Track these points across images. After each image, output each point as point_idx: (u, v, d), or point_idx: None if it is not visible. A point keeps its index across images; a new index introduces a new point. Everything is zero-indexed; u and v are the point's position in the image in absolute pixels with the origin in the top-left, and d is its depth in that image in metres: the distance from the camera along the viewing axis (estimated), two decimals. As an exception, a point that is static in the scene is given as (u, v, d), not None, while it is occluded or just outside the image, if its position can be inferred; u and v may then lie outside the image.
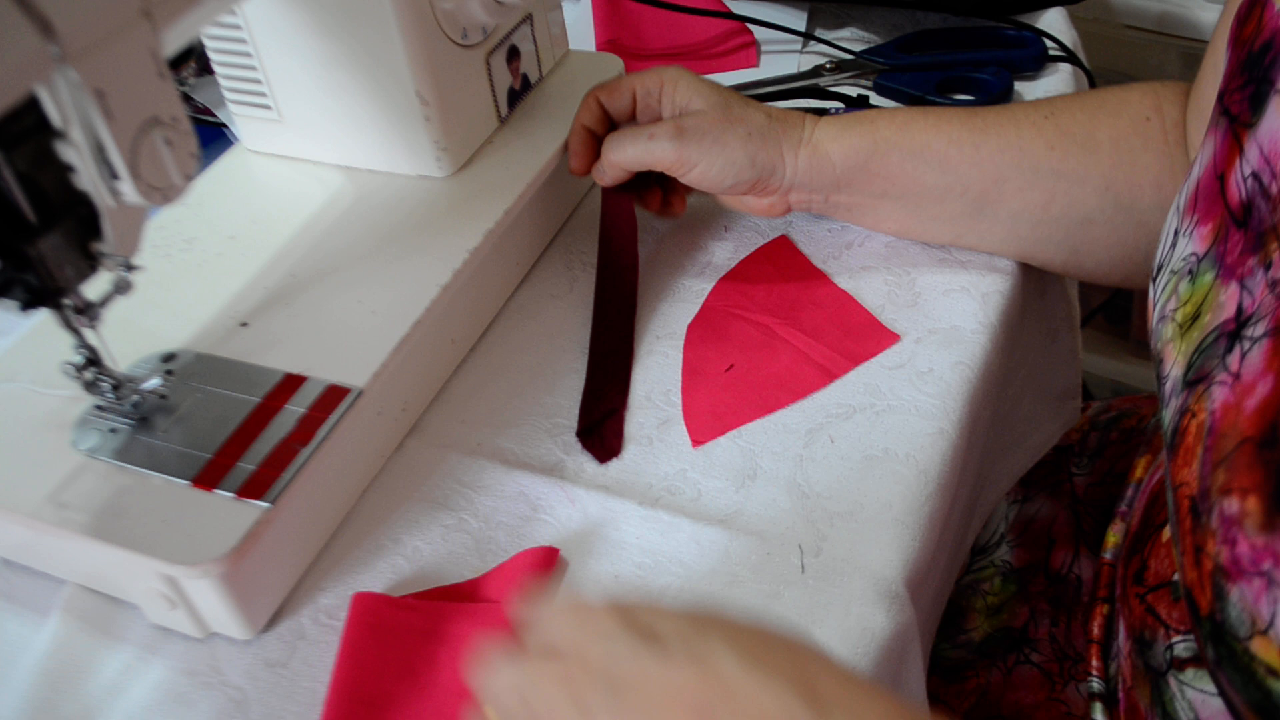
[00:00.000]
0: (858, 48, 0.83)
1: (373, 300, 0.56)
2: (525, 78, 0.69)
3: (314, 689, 0.47)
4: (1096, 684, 0.57)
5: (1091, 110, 0.58)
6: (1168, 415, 0.44)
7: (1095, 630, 0.59)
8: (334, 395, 0.51)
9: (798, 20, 0.87)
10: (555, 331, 0.63)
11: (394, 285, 0.57)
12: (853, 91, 0.80)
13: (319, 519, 0.53)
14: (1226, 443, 0.38)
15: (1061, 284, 0.73)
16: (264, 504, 0.47)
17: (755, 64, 0.85)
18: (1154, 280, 0.49)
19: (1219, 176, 0.44)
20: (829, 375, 0.58)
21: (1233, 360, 0.40)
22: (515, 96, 0.68)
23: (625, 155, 0.61)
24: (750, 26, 0.86)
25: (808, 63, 0.84)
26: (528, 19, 0.68)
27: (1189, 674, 0.47)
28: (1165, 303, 0.47)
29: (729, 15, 0.86)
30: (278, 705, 0.47)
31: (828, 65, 0.82)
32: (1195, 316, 0.44)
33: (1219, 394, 0.40)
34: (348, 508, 0.55)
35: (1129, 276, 0.61)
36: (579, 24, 0.88)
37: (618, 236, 0.65)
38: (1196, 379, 0.42)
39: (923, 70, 0.80)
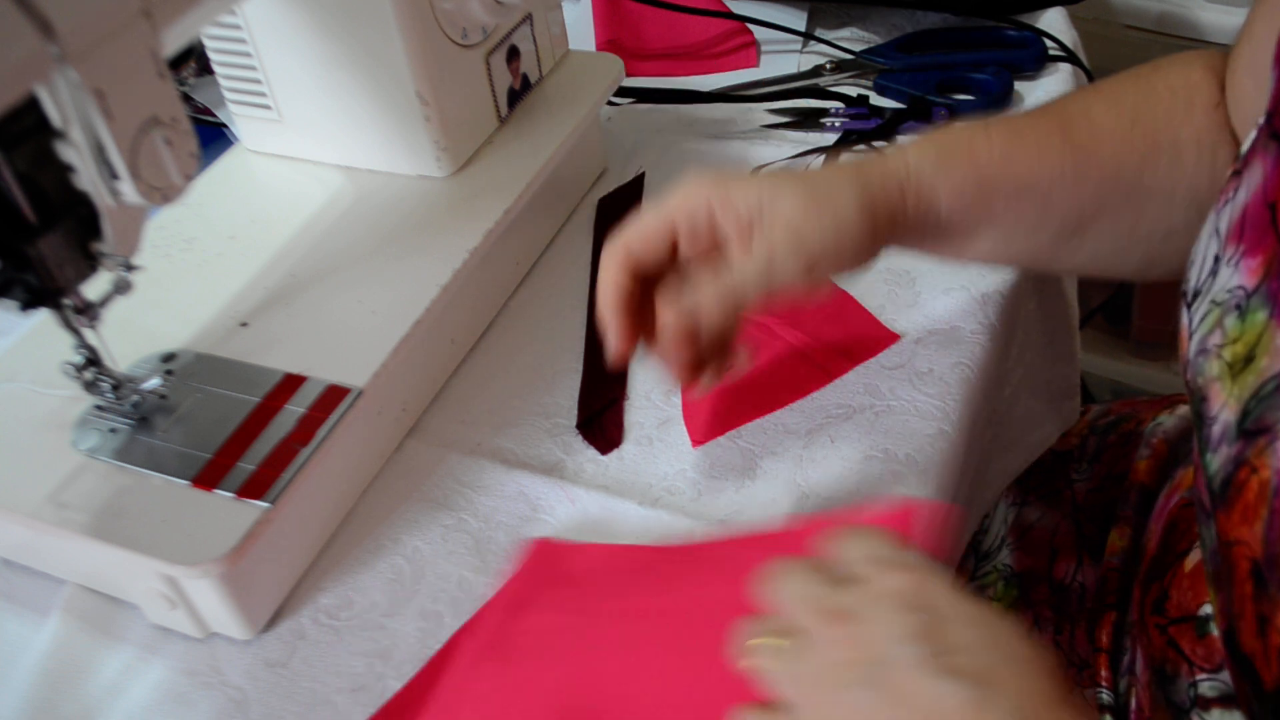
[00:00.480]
0: (858, 48, 0.83)
1: (373, 300, 0.56)
2: (525, 78, 0.69)
3: (314, 689, 0.48)
4: (1106, 695, 0.57)
5: (1166, 105, 0.54)
6: (1215, 461, 0.42)
7: (1104, 639, 0.58)
8: (334, 395, 0.51)
9: (798, 20, 0.87)
10: (555, 331, 0.63)
11: (394, 285, 0.57)
12: (853, 91, 0.80)
13: (319, 519, 0.53)
14: None
15: (1060, 284, 0.73)
16: (264, 504, 0.47)
17: (755, 64, 0.85)
18: (1189, 305, 0.47)
19: (1269, 205, 0.42)
20: (829, 375, 0.58)
21: None
22: (515, 96, 0.68)
23: (749, 290, 0.48)
24: (750, 26, 0.86)
25: (808, 63, 0.84)
26: (528, 19, 0.68)
27: (1215, 714, 0.46)
28: (1207, 335, 0.44)
29: (729, 15, 0.86)
30: (278, 705, 0.47)
31: (828, 65, 0.82)
32: (1249, 359, 0.41)
33: None
34: (348, 508, 0.55)
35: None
36: (579, 24, 0.88)
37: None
38: (1256, 430, 0.40)
39: (923, 70, 0.80)
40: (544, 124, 0.67)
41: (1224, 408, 0.42)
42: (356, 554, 0.53)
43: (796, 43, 0.86)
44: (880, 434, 0.55)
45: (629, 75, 0.80)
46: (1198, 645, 0.49)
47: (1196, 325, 0.46)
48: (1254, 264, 0.43)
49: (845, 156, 0.52)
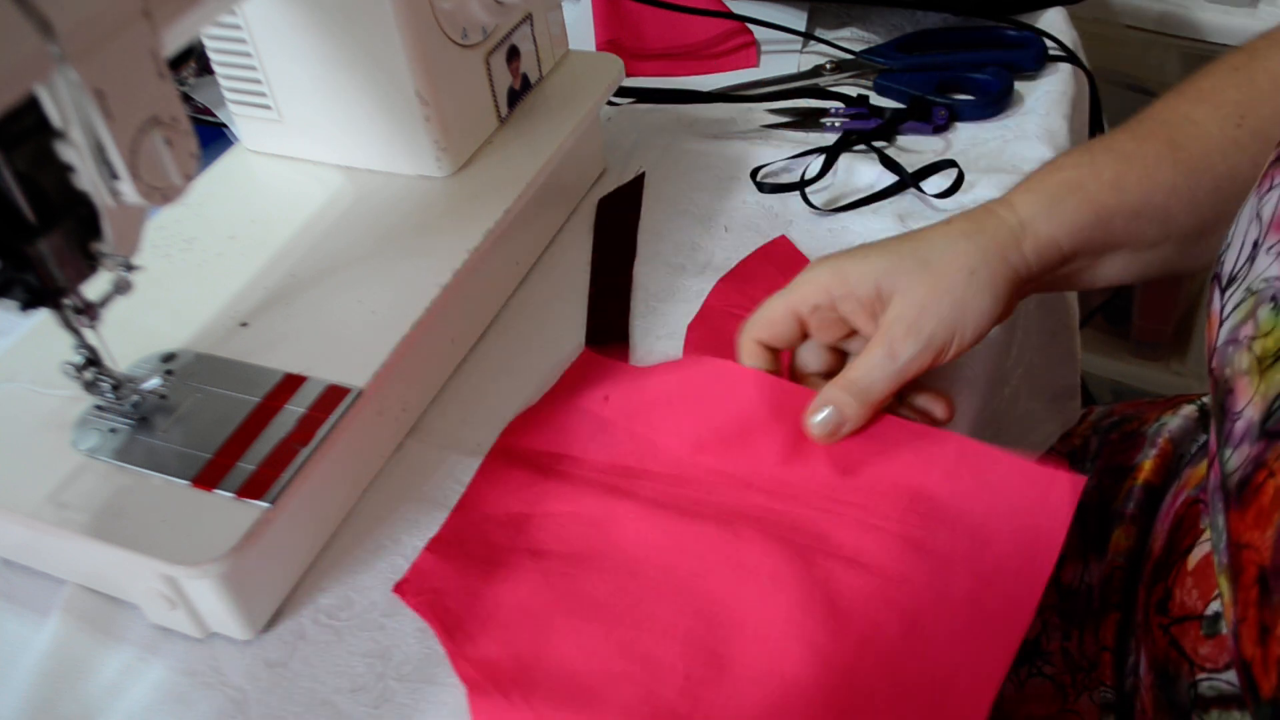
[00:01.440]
0: (858, 48, 0.83)
1: (373, 300, 0.56)
2: (525, 78, 0.69)
3: (314, 689, 0.47)
4: (1111, 695, 0.57)
5: (1271, 98, 0.53)
6: (1234, 459, 0.42)
7: (1108, 638, 0.58)
8: (334, 395, 0.51)
9: (798, 20, 0.87)
10: (555, 331, 0.63)
11: (394, 285, 0.57)
12: (853, 91, 0.80)
13: (319, 519, 0.53)
14: None
15: (1061, 284, 0.73)
16: (264, 504, 0.47)
17: (755, 64, 0.85)
18: (1222, 289, 0.46)
19: None
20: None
21: None
22: (515, 96, 0.68)
23: (879, 391, 0.50)
24: (750, 26, 0.86)
25: (808, 63, 0.84)
26: (528, 19, 0.68)
27: (1214, 715, 0.46)
28: (1239, 325, 0.43)
29: (729, 15, 0.86)
30: (278, 705, 0.47)
31: (828, 65, 0.82)
32: (1279, 356, 0.41)
33: None
34: (348, 508, 0.55)
35: None
36: (579, 24, 0.88)
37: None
38: (1277, 431, 0.39)
39: (923, 70, 0.80)
40: (544, 124, 0.67)
41: (1250, 404, 0.41)
42: (356, 554, 0.53)
43: (796, 43, 0.86)
44: (880, 434, 0.55)
45: (629, 75, 0.80)
46: (1201, 644, 0.48)
47: (1229, 313, 0.44)
48: None
49: (961, 214, 0.51)
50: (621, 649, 0.46)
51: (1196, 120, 0.53)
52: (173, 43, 0.44)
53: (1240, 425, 0.42)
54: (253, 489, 0.47)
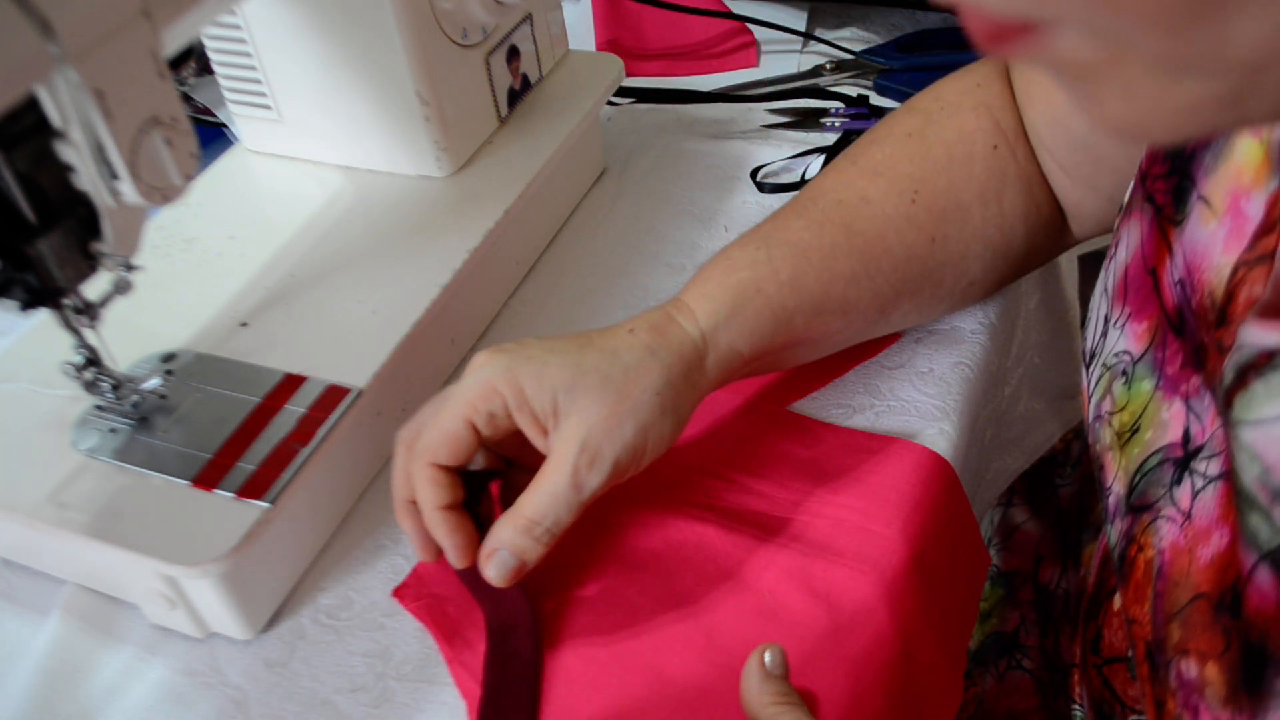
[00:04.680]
0: (858, 48, 0.83)
1: (373, 300, 0.56)
2: (525, 78, 0.69)
3: (314, 689, 0.47)
4: (1079, 712, 0.56)
5: (945, 169, 0.53)
6: (1114, 534, 0.42)
7: (1076, 654, 0.58)
8: (334, 395, 0.51)
9: (798, 20, 0.87)
10: (555, 331, 0.63)
11: (394, 285, 0.57)
12: (853, 91, 0.80)
13: (319, 519, 0.53)
14: (1180, 594, 0.36)
15: (1061, 284, 0.73)
16: (264, 504, 0.47)
17: (755, 64, 0.85)
18: (1087, 367, 0.46)
19: (1150, 271, 0.42)
20: (829, 375, 0.58)
21: (1182, 496, 0.38)
22: (515, 96, 0.68)
23: (563, 525, 0.45)
24: (750, 26, 0.86)
25: (808, 63, 0.84)
26: (528, 19, 0.68)
27: None
28: (1100, 400, 0.44)
29: (729, 15, 0.86)
30: (278, 705, 0.47)
31: (828, 65, 0.82)
32: (1135, 429, 0.41)
33: (1168, 531, 0.38)
34: (348, 508, 0.55)
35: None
36: (579, 24, 0.88)
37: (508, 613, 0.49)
38: (1141, 505, 0.40)
39: (923, 70, 0.80)
40: (544, 124, 0.67)
41: (1115, 479, 0.42)
42: (356, 554, 0.53)
43: (796, 43, 0.86)
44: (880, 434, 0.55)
45: (629, 75, 0.80)
46: (1129, 686, 0.48)
47: (1092, 389, 0.45)
48: (1140, 329, 0.42)
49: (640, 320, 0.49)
50: (619, 656, 0.46)
51: (872, 199, 0.52)
52: (173, 43, 0.44)
53: (1112, 501, 0.42)
54: (253, 489, 0.47)
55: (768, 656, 0.42)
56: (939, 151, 0.53)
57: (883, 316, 0.54)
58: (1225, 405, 0.34)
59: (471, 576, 0.46)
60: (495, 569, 0.45)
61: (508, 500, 0.47)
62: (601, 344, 0.47)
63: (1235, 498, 0.33)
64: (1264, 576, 0.31)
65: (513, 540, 0.45)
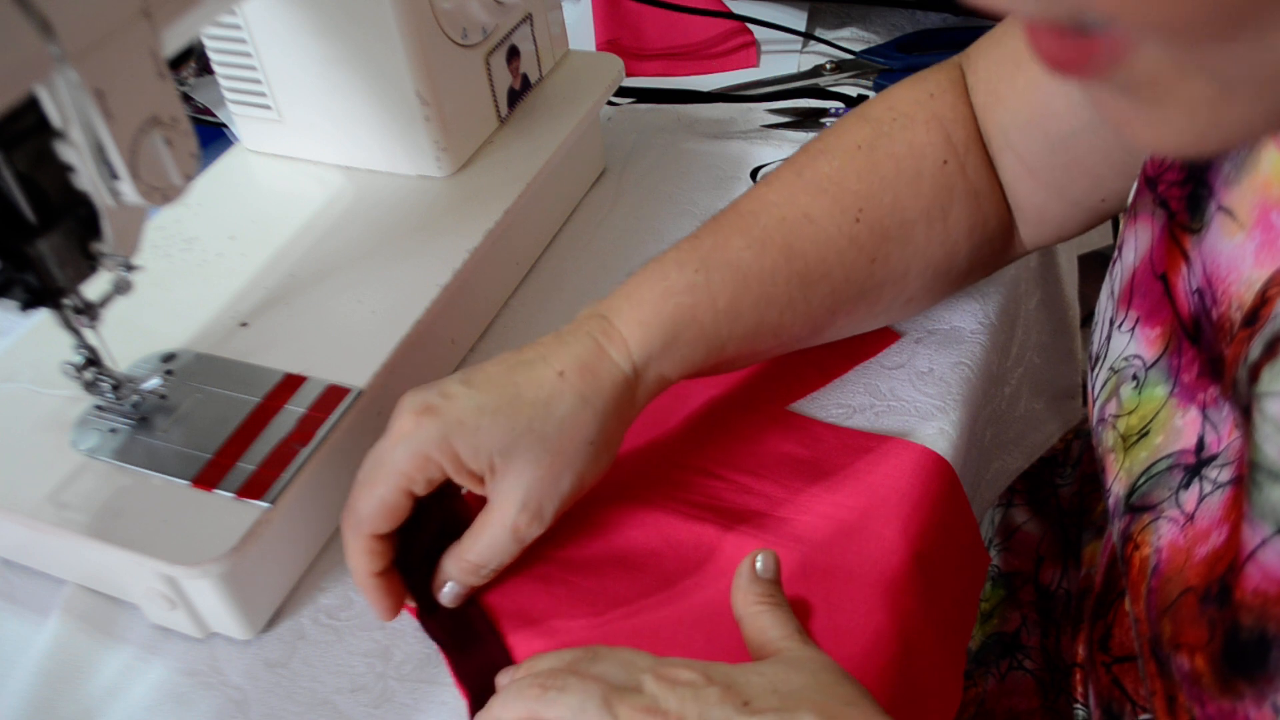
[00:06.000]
0: (858, 48, 0.83)
1: (373, 300, 0.56)
2: (525, 78, 0.69)
3: (314, 689, 0.47)
4: (1082, 712, 0.56)
5: (892, 185, 0.51)
6: (1115, 533, 0.42)
7: (1079, 653, 0.58)
8: (334, 395, 0.51)
9: (798, 20, 0.87)
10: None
11: (394, 285, 0.57)
12: (853, 91, 0.80)
13: (319, 519, 0.53)
14: (1170, 588, 0.36)
15: (1061, 284, 0.73)
16: (264, 504, 0.47)
17: (755, 64, 0.85)
18: (1091, 369, 0.46)
19: (1160, 276, 0.41)
20: (829, 375, 0.58)
21: (1188, 499, 0.38)
22: (515, 96, 0.68)
23: (503, 564, 0.48)
24: (750, 26, 0.86)
25: (808, 63, 0.84)
26: (528, 19, 0.68)
27: None
28: (1105, 403, 0.44)
29: (729, 15, 0.86)
30: (278, 705, 0.47)
31: (828, 65, 0.82)
32: (1143, 433, 0.41)
33: (1167, 531, 0.38)
34: (348, 508, 0.55)
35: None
36: (579, 24, 0.88)
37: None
38: (1141, 506, 0.40)
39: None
40: (544, 124, 0.67)
41: (1116, 480, 0.42)
42: (356, 554, 0.53)
43: (796, 43, 0.86)
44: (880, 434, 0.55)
45: (629, 75, 0.80)
46: (1140, 685, 0.48)
47: (1097, 392, 0.45)
48: (1153, 334, 0.41)
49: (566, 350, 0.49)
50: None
51: (815, 218, 0.51)
52: (173, 43, 0.44)
53: (1112, 502, 0.42)
54: (252, 489, 0.47)
55: (759, 560, 0.45)
56: (887, 167, 0.52)
57: (816, 334, 0.53)
58: (1251, 379, 0.33)
59: (432, 626, 0.49)
60: (446, 598, 0.48)
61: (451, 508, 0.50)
62: (532, 395, 0.46)
63: (1247, 481, 0.33)
64: (1273, 553, 0.31)
65: (459, 577, 0.48)
